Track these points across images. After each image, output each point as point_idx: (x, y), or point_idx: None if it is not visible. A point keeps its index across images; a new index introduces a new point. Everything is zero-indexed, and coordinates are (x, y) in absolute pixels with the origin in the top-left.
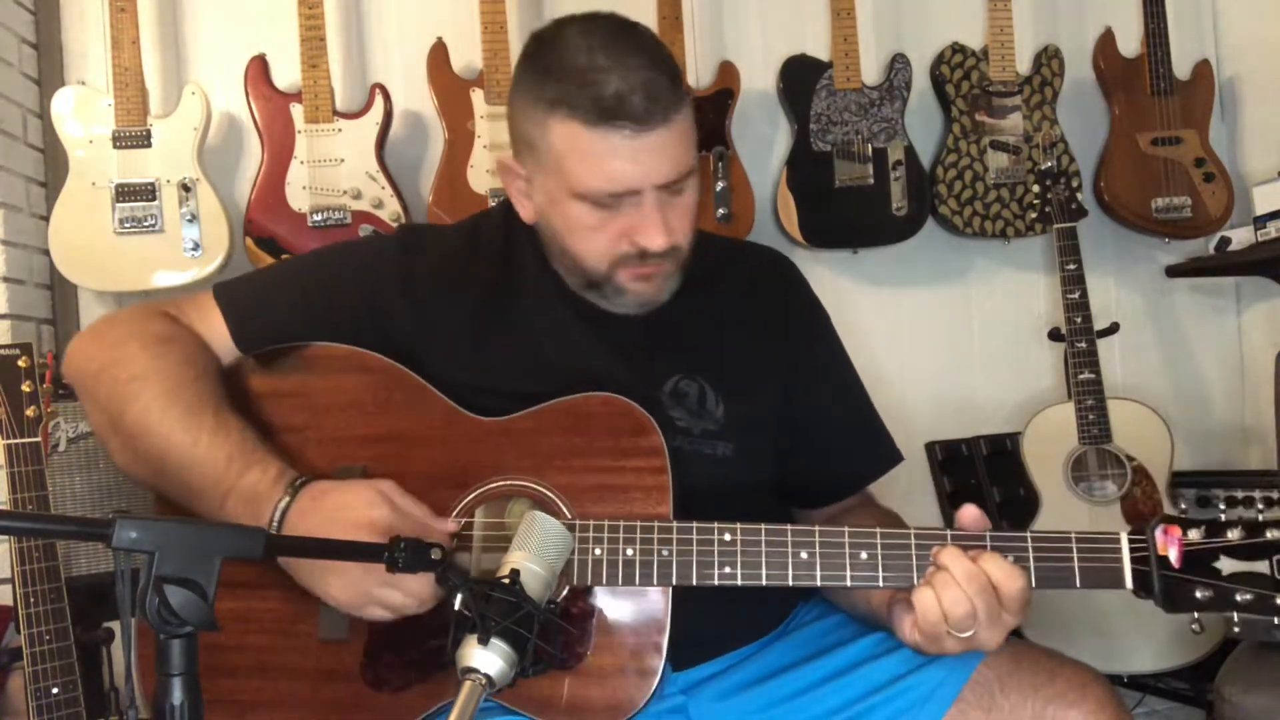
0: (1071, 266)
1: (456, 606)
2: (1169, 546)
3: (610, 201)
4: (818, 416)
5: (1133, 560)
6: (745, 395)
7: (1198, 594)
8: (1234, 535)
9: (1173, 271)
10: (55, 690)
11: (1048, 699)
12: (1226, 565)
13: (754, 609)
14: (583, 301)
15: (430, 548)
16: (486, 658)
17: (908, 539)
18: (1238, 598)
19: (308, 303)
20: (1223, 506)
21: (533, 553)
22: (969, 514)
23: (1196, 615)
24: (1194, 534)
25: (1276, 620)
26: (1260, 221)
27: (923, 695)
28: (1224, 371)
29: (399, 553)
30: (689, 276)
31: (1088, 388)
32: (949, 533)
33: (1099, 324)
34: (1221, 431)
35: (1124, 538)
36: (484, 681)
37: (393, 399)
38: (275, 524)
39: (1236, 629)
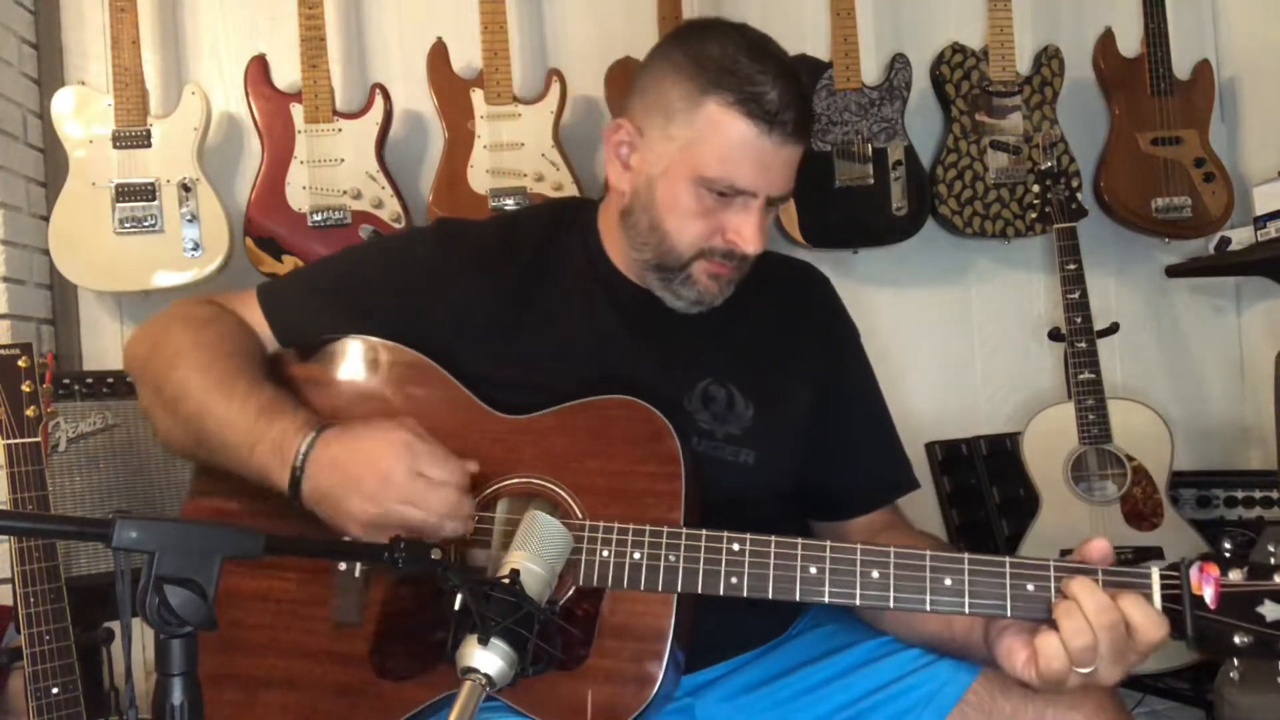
0: (1071, 266)
1: (456, 606)
2: (1204, 585)
3: (726, 194)
4: (840, 433)
5: (1164, 599)
6: (774, 403)
7: (1237, 640)
8: None
9: (1173, 271)
10: (55, 690)
11: (1048, 701)
12: (1272, 610)
13: (762, 616)
14: (625, 296)
15: (430, 548)
16: (486, 658)
17: (923, 561)
18: None
19: (340, 298)
20: (1223, 506)
21: (533, 553)
22: (1098, 548)
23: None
24: (1235, 574)
25: None
26: (1260, 221)
27: (925, 696)
28: (1224, 371)
29: (398, 553)
30: None
31: (1088, 388)
32: (965, 557)
33: (1099, 324)
34: (1221, 431)
35: (1155, 574)
36: (484, 681)
37: (418, 392)
38: (300, 462)
39: (1235, 676)
